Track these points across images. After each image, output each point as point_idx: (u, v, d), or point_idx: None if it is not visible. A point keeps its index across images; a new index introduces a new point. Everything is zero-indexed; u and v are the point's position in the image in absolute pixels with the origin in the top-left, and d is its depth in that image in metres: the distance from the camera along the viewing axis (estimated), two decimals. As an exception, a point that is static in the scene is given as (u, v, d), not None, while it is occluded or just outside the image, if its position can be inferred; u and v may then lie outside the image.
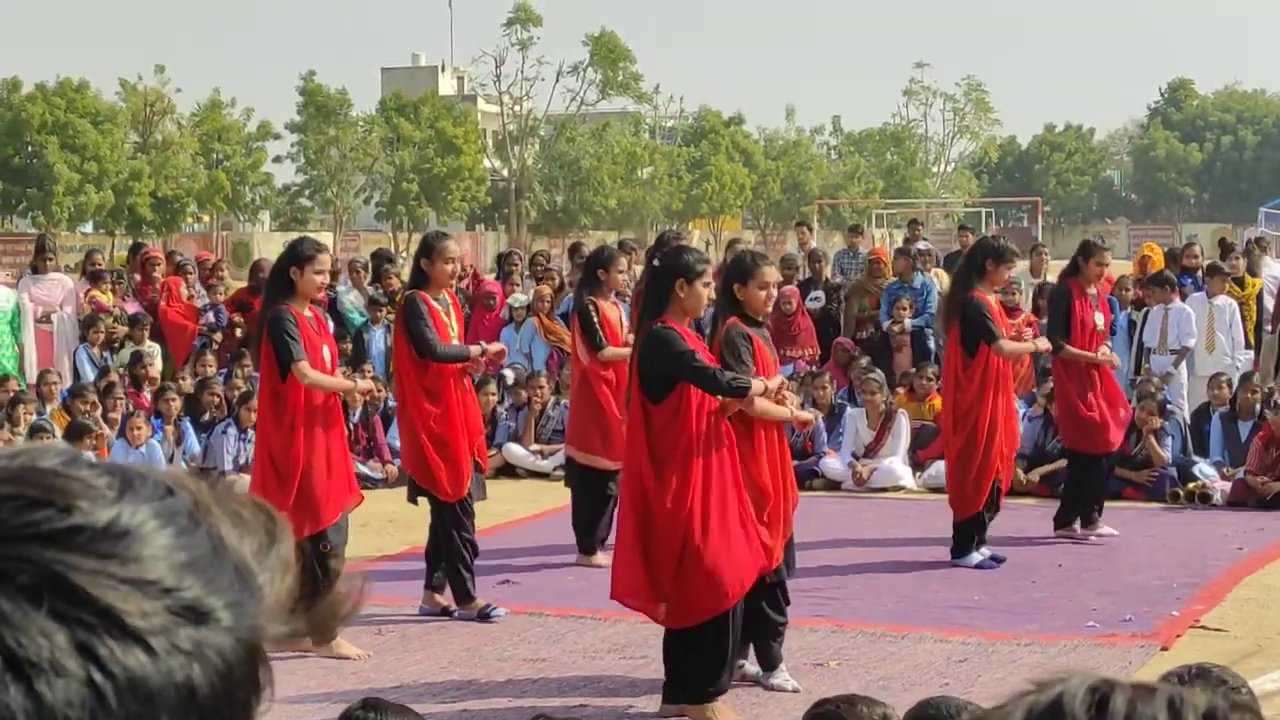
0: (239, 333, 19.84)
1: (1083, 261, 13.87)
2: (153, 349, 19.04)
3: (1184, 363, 17.85)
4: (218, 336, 19.54)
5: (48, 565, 1.06)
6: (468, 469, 10.82)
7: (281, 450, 10.17)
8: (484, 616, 10.80)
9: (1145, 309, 18.30)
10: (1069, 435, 13.76)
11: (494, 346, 11.74)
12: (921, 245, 21.75)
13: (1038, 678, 1.27)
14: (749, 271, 9.40)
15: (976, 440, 12.38)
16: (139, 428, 16.32)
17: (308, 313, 10.31)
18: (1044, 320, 18.61)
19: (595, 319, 12.57)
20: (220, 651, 1.10)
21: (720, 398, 8.67)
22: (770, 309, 9.73)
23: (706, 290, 8.89)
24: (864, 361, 18.11)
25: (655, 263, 9.49)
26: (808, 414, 9.62)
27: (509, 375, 18.72)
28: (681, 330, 8.75)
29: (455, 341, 10.98)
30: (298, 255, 10.27)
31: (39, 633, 1.05)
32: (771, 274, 9.49)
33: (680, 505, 8.54)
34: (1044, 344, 13.18)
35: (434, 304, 10.88)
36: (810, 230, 24.52)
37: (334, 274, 20.55)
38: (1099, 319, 13.77)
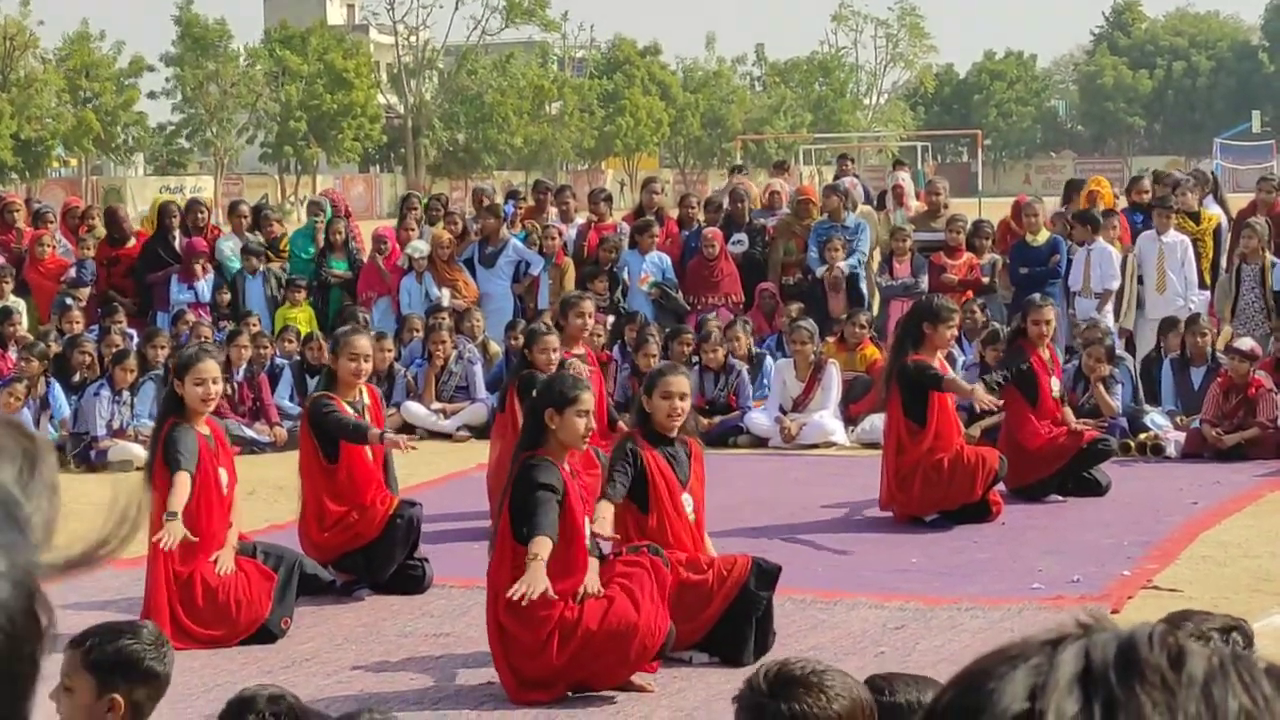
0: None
1: (1022, 321, 14.03)
2: (18, 304, 18.79)
3: (1108, 306, 17.82)
4: (83, 293, 19.25)
5: None
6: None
7: None
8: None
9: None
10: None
11: (398, 436, 10.99)
12: (848, 180, 21.71)
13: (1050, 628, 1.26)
14: (652, 381, 9.40)
15: (919, 486, 12.58)
16: (15, 395, 16.16)
17: (204, 429, 10.00)
18: (983, 261, 18.69)
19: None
20: (3, 605, 1.06)
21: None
22: (675, 426, 9.37)
23: (583, 420, 8.60)
24: (794, 309, 18.02)
25: (533, 392, 9.33)
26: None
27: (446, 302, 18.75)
28: (559, 464, 8.52)
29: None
30: (178, 368, 10.07)
31: None
32: (679, 384, 9.38)
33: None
34: (985, 399, 12.85)
35: (345, 406, 10.82)
36: (744, 171, 24.28)
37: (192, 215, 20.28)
38: (1055, 384, 13.89)
